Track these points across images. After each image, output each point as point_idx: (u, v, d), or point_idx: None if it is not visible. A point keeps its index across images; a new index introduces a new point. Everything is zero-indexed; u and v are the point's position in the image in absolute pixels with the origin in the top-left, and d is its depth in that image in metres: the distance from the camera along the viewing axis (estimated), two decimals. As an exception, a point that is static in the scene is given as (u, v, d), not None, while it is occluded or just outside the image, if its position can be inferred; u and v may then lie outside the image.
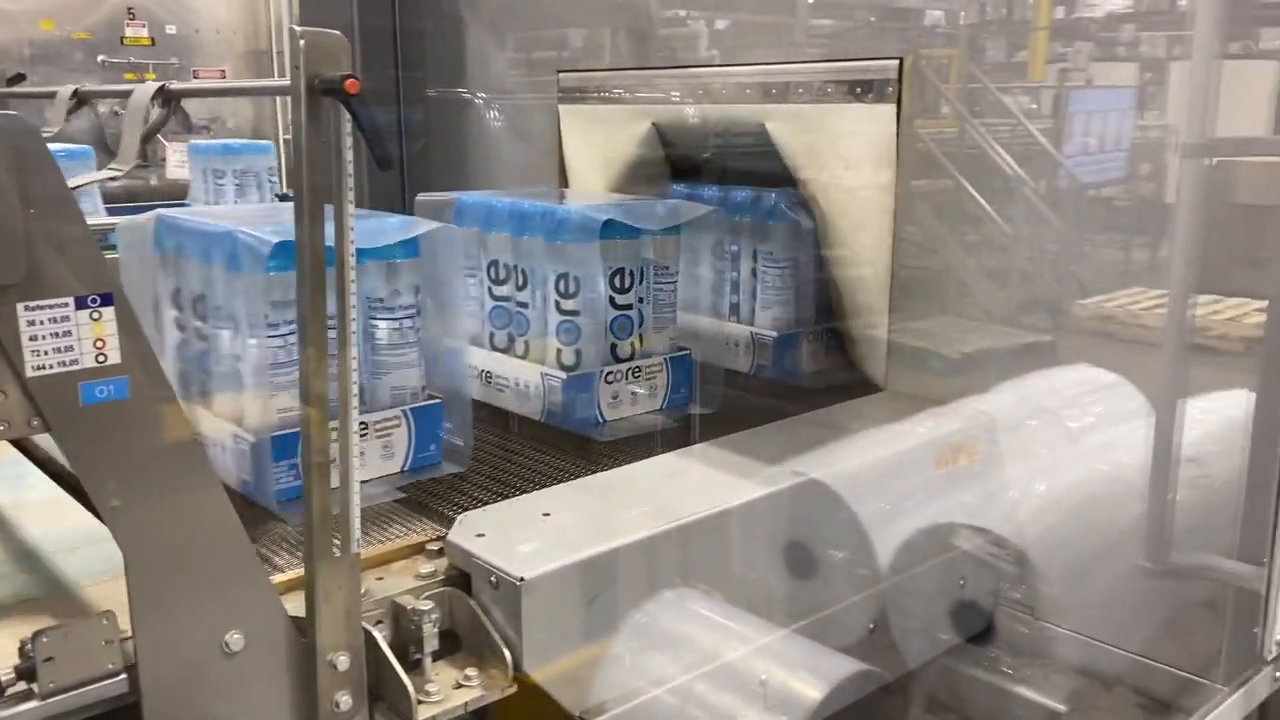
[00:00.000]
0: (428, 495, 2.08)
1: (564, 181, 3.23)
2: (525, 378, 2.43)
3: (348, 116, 1.39)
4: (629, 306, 2.44)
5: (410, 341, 2.05)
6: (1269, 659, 2.16)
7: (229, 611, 1.44)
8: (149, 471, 1.36)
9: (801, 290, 2.81)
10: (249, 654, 1.46)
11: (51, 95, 2.02)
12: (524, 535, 1.82)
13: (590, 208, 2.39)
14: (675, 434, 2.43)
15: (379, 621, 1.65)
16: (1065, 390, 2.64)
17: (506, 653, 1.64)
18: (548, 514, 1.90)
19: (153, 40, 5.92)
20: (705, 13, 3.81)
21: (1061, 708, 2.39)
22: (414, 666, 1.62)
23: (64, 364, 1.26)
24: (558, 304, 2.37)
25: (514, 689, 1.64)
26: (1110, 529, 2.36)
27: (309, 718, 1.52)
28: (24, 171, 1.21)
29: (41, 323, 1.25)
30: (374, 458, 1.99)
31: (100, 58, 5.78)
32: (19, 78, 3.23)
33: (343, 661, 1.51)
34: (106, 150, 5.92)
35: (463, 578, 1.75)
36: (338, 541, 1.48)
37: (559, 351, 2.38)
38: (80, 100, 1.93)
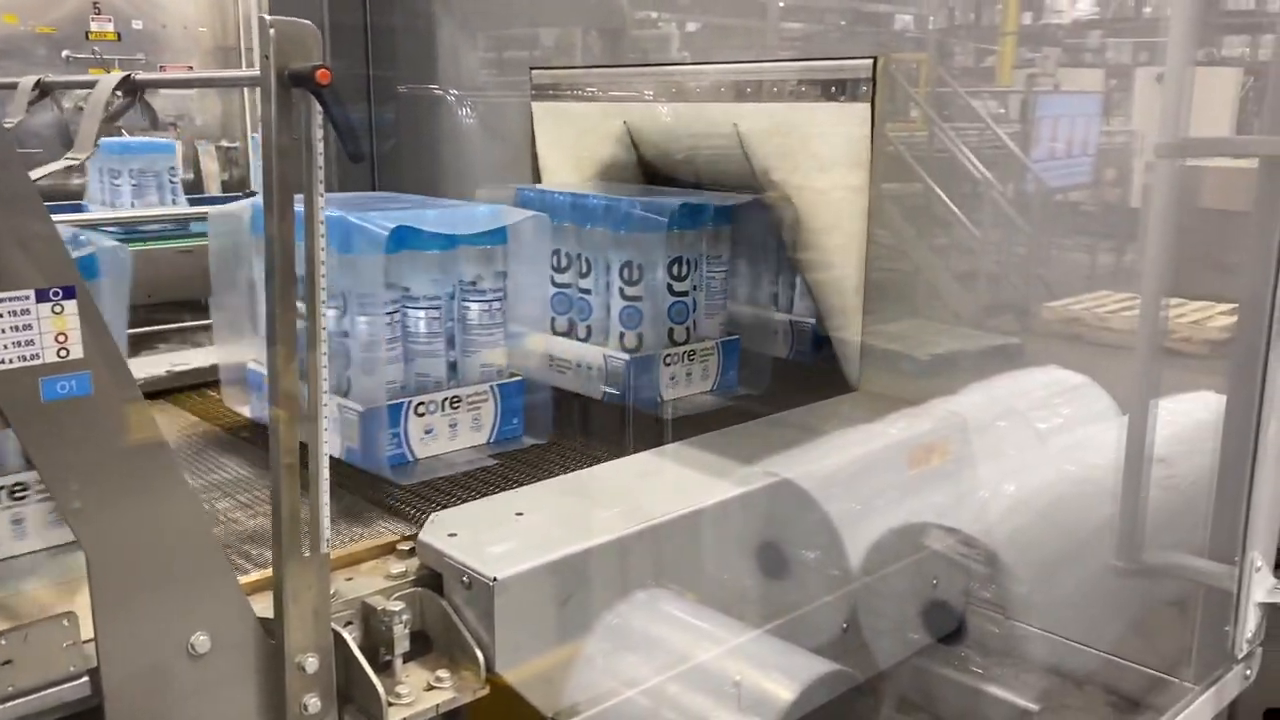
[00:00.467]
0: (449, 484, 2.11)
1: (537, 178, 3.22)
2: (588, 359, 2.57)
3: (318, 108, 1.37)
4: (685, 293, 2.62)
5: (498, 322, 2.25)
6: (1239, 657, 2.18)
7: (195, 613, 1.41)
8: (112, 470, 1.32)
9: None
10: (215, 656, 1.43)
11: (12, 87, 1.98)
12: (497, 535, 1.80)
13: (655, 202, 2.54)
14: (727, 413, 2.57)
15: (349, 623, 1.63)
16: (1034, 391, 2.65)
17: (479, 654, 1.62)
18: (521, 513, 1.89)
19: (118, 35, 5.85)
20: (678, 13, 3.81)
21: (1033, 707, 2.40)
22: (384, 668, 1.60)
23: (24, 358, 1.23)
24: (621, 290, 2.55)
25: (486, 690, 1.62)
26: (1080, 529, 2.38)
27: (277, 721, 1.50)
28: (-16, 161, 1.18)
29: (0, 315, 1.21)
30: (465, 429, 2.19)
31: (65, 53, 5.70)
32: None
33: (311, 663, 1.49)
34: (70, 145, 5.84)
35: (434, 578, 1.73)
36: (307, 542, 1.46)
37: (622, 335, 2.55)
38: (43, 91, 1.89)
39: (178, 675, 1.41)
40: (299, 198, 1.39)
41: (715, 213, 2.65)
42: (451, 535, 1.76)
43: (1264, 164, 2.02)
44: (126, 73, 1.67)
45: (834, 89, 2.49)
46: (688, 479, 2.08)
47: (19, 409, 1.24)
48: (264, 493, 2.01)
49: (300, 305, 1.43)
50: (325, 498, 1.47)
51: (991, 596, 2.45)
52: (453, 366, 2.23)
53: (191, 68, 6.05)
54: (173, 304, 4.22)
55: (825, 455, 2.24)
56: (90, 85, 1.71)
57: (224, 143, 6.29)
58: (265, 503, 1.96)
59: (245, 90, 5.81)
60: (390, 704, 1.54)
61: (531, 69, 3.24)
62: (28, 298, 1.23)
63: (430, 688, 1.61)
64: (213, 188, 6.13)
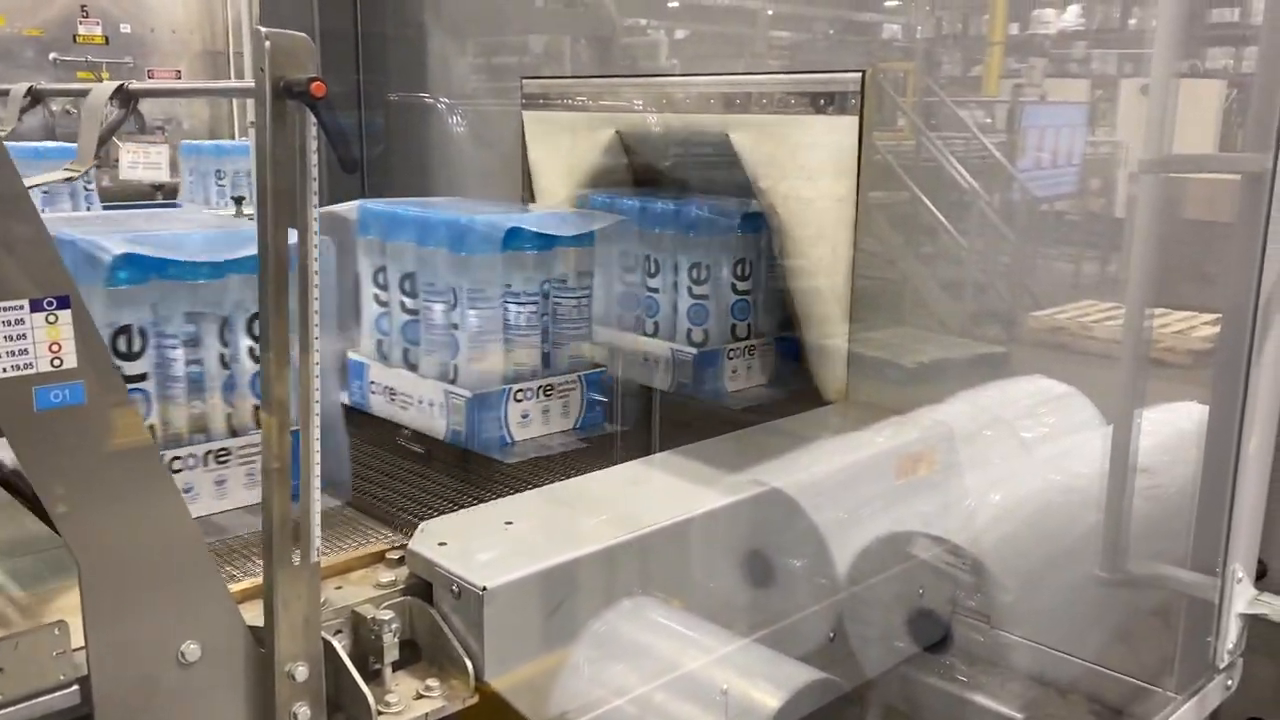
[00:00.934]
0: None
1: (528, 188, 3.23)
2: (654, 353, 2.76)
3: (312, 119, 1.38)
4: (748, 292, 2.80)
5: (585, 317, 2.45)
6: (1221, 667, 2.20)
7: (185, 621, 1.41)
8: (103, 478, 1.32)
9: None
10: (205, 664, 1.43)
11: (4, 94, 1.98)
12: (486, 544, 1.80)
13: (719, 206, 2.71)
14: (784, 404, 2.70)
15: (338, 631, 1.63)
16: (1019, 401, 2.67)
17: (468, 662, 1.63)
18: (510, 522, 1.89)
19: (106, 39, 5.82)
20: (667, 21, 3.82)
21: (1018, 715, 2.41)
22: (374, 677, 1.60)
23: (18, 368, 1.23)
24: (690, 289, 2.74)
25: (475, 699, 1.63)
26: (1064, 538, 2.39)
27: (266, 729, 1.50)
28: (-22, 170, 1.18)
29: (-5, 325, 1.21)
30: (555, 415, 2.38)
31: (52, 55, 5.68)
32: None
33: (301, 672, 1.49)
34: (56, 149, 5.81)
35: (424, 587, 1.73)
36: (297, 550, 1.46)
37: (689, 331, 2.74)
38: (35, 98, 1.89)
39: (168, 684, 1.41)
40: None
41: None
42: (441, 544, 1.76)
43: (1246, 179, 2.05)
44: (120, 82, 1.67)
45: (822, 101, 2.51)
46: (676, 488, 2.09)
47: (12, 417, 1.24)
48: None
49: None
50: (316, 505, 1.47)
51: (977, 605, 2.47)
52: (545, 357, 2.41)
53: (180, 72, 6.03)
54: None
55: (813, 464, 2.25)
56: (83, 93, 1.71)
57: (212, 146, 6.26)
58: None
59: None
60: (379, 712, 1.55)
61: (522, 78, 3.25)
62: (22, 307, 1.23)
63: (419, 696, 1.61)
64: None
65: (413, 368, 2.41)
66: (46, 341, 1.25)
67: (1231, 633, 2.16)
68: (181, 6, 6.08)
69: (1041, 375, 2.78)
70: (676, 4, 3.91)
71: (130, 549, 1.36)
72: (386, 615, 1.61)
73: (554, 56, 3.72)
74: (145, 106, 2.01)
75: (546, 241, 2.34)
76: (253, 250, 1.79)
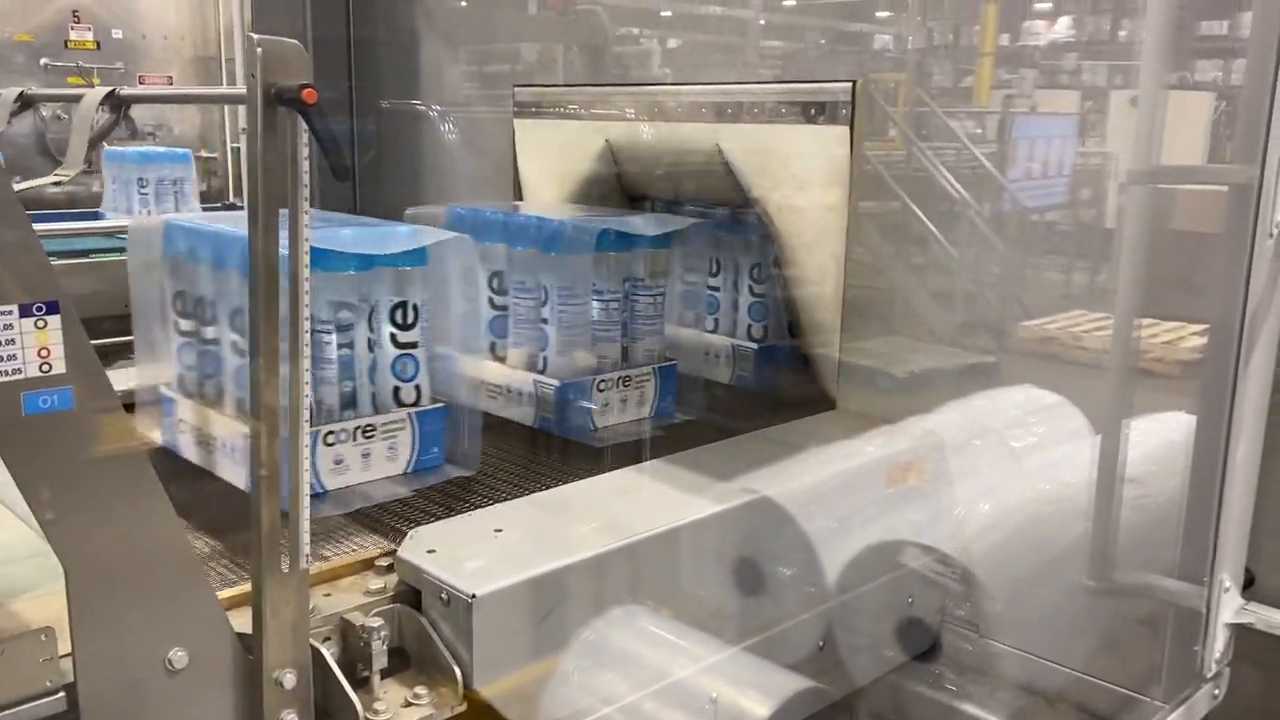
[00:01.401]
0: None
1: (519, 195, 3.23)
2: (715, 348, 2.88)
3: (304, 126, 1.38)
4: (763, 295, 2.88)
5: (659, 314, 2.59)
6: (1208, 677, 2.21)
7: (172, 628, 1.41)
8: (91, 484, 1.32)
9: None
10: (192, 672, 1.43)
11: (-6, 98, 1.98)
12: (475, 551, 1.80)
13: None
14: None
15: (327, 638, 1.62)
16: (1009, 410, 2.68)
17: (456, 670, 1.62)
18: (499, 530, 1.89)
19: (98, 44, 5.81)
20: (659, 30, 3.82)
21: (1006, 725, 2.42)
22: (362, 684, 1.59)
23: (6, 373, 1.23)
24: (751, 288, 2.86)
25: (464, 707, 1.62)
26: (1053, 547, 2.40)
27: (254, 737, 1.49)
28: (-33, 175, 1.18)
29: (-16, 330, 1.21)
30: (632, 404, 2.52)
31: (43, 61, 5.66)
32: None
33: (289, 679, 1.48)
34: (47, 154, 5.81)
35: (413, 594, 1.73)
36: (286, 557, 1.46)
37: (749, 327, 2.88)
38: (25, 103, 1.88)
39: (155, 691, 1.40)
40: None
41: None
42: (430, 552, 1.76)
43: (1233, 190, 2.06)
44: (111, 88, 1.67)
45: (813, 111, 2.52)
46: (666, 496, 2.09)
47: (0, 423, 1.24)
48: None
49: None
50: (305, 513, 1.47)
51: (966, 614, 2.47)
52: (624, 351, 2.56)
53: (171, 78, 6.02)
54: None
55: (803, 473, 2.25)
56: (74, 99, 1.71)
57: (203, 153, 6.25)
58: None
59: (226, 101, 5.79)
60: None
61: (514, 86, 3.26)
62: (11, 312, 1.22)
63: (408, 704, 1.61)
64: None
65: (500, 360, 2.56)
66: (35, 347, 1.24)
67: (1219, 642, 2.17)
68: (173, 12, 6.07)
69: (1031, 385, 2.79)
70: (669, 14, 3.92)
71: (118, 555, 1.35)
72: (375, 623, 1.61)
73: (546, 65, 3.73)
74: (136, 112, 2.01)
75: (629, 243, 2.49)
76: (400, 247, 2.03)
